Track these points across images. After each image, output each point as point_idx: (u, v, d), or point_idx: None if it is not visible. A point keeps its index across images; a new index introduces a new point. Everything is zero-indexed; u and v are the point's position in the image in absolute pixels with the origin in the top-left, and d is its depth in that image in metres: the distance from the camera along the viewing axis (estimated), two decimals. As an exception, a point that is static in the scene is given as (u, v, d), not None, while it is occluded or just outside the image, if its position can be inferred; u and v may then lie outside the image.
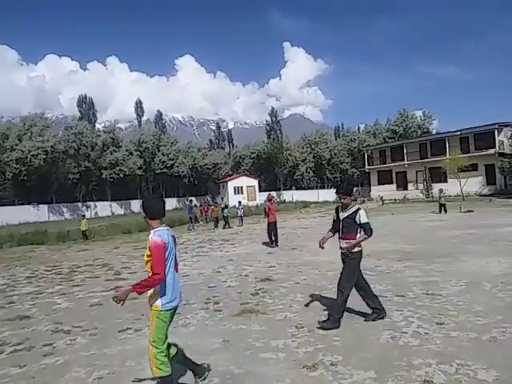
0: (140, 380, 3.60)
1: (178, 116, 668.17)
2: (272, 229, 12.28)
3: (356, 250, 4.66)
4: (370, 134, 57.15)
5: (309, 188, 56.93)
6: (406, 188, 40.69)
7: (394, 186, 42.05)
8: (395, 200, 35.88)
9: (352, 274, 4.66)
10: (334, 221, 4.97)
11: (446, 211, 20.43)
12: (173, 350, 3.30)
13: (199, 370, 3.43)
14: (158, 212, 3.27)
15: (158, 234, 3.12)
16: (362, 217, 4.58)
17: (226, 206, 22.27)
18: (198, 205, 35.54)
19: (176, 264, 3.28)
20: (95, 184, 49.91)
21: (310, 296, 6.02)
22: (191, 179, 56.32)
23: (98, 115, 65.52)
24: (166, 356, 3.12)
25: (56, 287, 8.04)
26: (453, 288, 5.99)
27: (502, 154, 34.19)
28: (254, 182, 50.06)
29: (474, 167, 34.02)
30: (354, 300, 4.89)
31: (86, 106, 62.82)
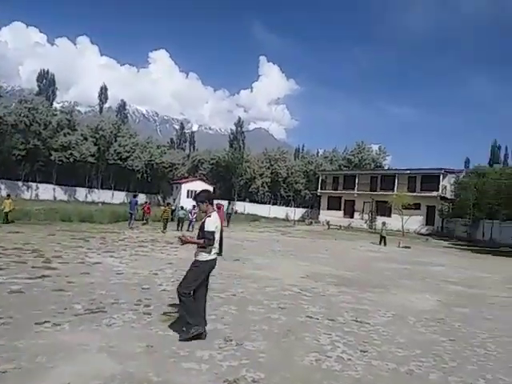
0: None
1: (143, 109, 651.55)
2: (220, 237, 12.14)
3: (200, 258, 4.56)
4: (327, 160, 58.97)
5: (262, 202, 57.38)
6: (352, 216, 42.23)
7: (341, 213, 43.50)
8: (340, 226, 37.08)
9: (192, 282, 4.55)
10: None
11: (385, 244, 21.41)
12: None
13: None
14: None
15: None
16: (207, 224, 4.51)
17: (182, 208, 21.96)
18: (148, 202, 34.62)
19: None
20: (41, 165, 46.99)
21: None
22: (145, 175, 54.81)
23: (57, 93, 62.59)
24: None
25: (-26, 268, 7.40)
26: (380, 318, 6.22)
27: (444, 198, 36.65)
28: (209, 189, 49.66)
29: (417, 206, 36.07)
30: (290, 321, 4.93)
31: (47, 82, 59.71)
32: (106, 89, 73.96)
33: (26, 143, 42.82)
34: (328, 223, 37.09)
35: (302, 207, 54.65)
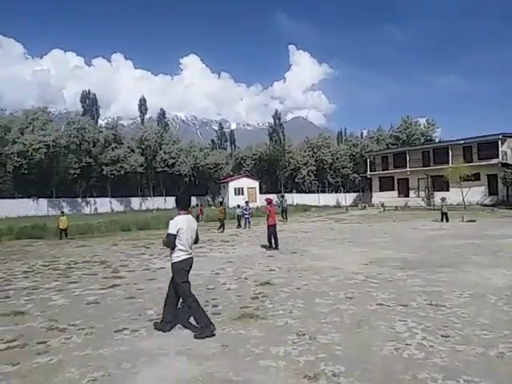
0: None
1: (181, 115, 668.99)
2: (272, 232, 12.16)
3: (173, 260, 4.76)
4: (372, 140, 57.06)
5: (310, 192, 56.81)
6: (407, 195, 40.57)
7: (395, 193, 41.93)
8: (396, 207, 35.75)
9: (177, 285, 4.72)
10: None
11: (447, 220, 20.31)
12: None
13: None
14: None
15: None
16: (169, 227, 4.71)
17: (239, 206, 22.32)
18: (199, 204, 35.51)
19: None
20: (96, 180, 49.80)
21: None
22: (192, 178, 56.21)
23: (100, 111, 65.50)
24: None
25: (53, 283, 7.92)
26: (457, 299, 5.86)
27: (505, 165, 34.07)
28: (255, 184, 49.95)
29: (477, 177, 33.90)
30: (361, 310, 4.77)
31: (90, 102, 62.76)
32: (144, 100, 76.41)
33: (79, 162, 45.49)
34: (383, 205, 35.91)
35: (353, 192, 53.44)
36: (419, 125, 55.15)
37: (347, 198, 49.19)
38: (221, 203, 22.95)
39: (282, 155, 55.86)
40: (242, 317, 5.25)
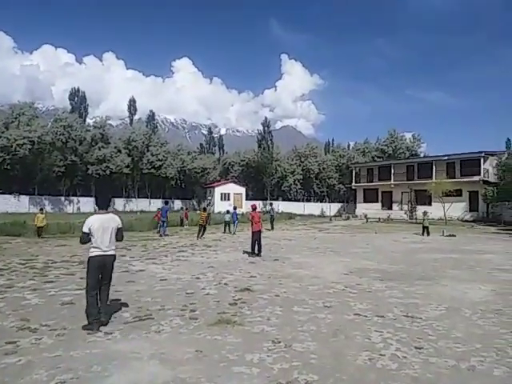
0: None
1: (171, 118, 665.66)
2: (256, 238, 12.15)
3: (88, 254, 5.07)
4: (359, 152, 57.70)
5: (295, 200, 57.03)
6: (390, 208, 41.08)
7: (379, 205, 42.41)
8: (379, 219, 36.16)
9: (87, 277, 5.04)
10: None
11: (428, 234, 20.63)
12: None
13: None
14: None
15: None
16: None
17: (228, 212, 22.28)
18: (184, 208, 35.25)
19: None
20: (80, 179, 49.01)
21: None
22: (178, 182, 55.88)
23: (89, 110, 64.88)
24: None
25: (28, 282, 7.74)
26: (433, 312, 5.94)
27: (486, 182, 34.85)
28: (242, 190, 49.90)
29: (459, 193, 34.57)
30: (338, 319, 4.78)
31: (78, 100, 62.01)
32: (134, 101, 75.88)
33: (64, 160, 44.73)
34: (366, 217, 36.29)
35: (337, 202, 53.84)
36: (405, 139, 56.03)
37: (332, 208, 49.55)
38: (204, 209, 22.79)
39: (270, 163, 56.04)
40: (219, 322, 5.21)
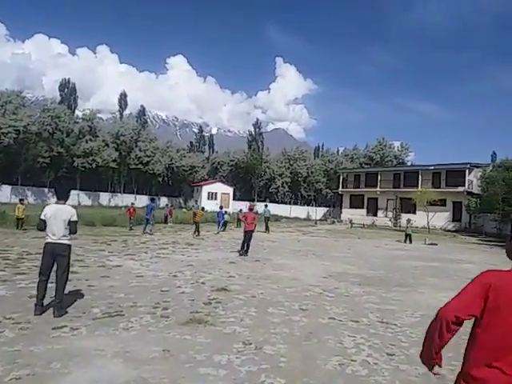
0: None
1: (162, 114, 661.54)
2: (247, 238, 12.29)
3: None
4: (347, 158, 58.06)
5: (282, 202, 57.04)
6: (375, 214, 41.38)
7: (364, 211, 42.68)
8: (364, 225, 36.36)
9: (41, 262, 5.32)
10: None
11: (410, 241, 20.79)
12: None
13: None
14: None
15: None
16: None
17: (226, 212, 22.15)
18: (169, 205, 34.95)
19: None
20: (65, 171, 48.12)
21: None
22: (166, 179, 55.38)
23: (79, 102, 64.15)
24: None
25: (-2, 273, 7.50)
26: (408, 319, 5.92)
27: (470, 193, 35.38)
28: (229, 190, 49.70)
29: (443, 202, 34.97)
30: (312, 323, 4.71)
31: (68, 91, 61.16)
32: (125, 95, 75.20)
33: (50, 151, 43.91)
34: (351, 222, 36.44)
35: (324, 206, 54.04)
36: (393, 147, 56.59)
37: (318, 212, 49.69)
38: (203, 208, 22.72)
39: (259, 164, 55.98)
40: (191, 322, 5.09)
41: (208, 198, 46.81)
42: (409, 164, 53.89)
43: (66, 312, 5.21)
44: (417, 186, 37.06)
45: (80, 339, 4.33)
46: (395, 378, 3.78)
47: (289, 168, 58.03)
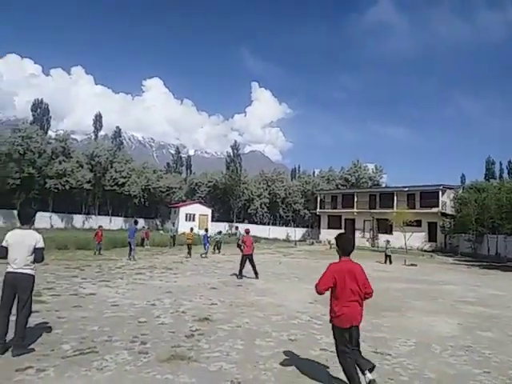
0: None
1: (138, 135, 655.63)
2: (247, 260, 12.32)
3: None
4: (324, 179, 58.70)
5: (261, 223, 56.73)
6: (353, 235, 41.58)
7: (342, 232, 42.79)
8: (343, 246, 36.35)
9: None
10: None
11: (390, 262, 20.79)
12: None
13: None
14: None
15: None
16: None
17: (220, 232, 21.64)
18: (146, 227, 34.04)
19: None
20: (37, 193, 46.35)
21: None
22: (142, 200, 54.23)
23: (52, 123, 62.62)
24: None
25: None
26: (402, 348, 5.65)
27: (444, 214, 36.15)
28: (208, 211, 49.01)
29: (418, 223, 35.50)
30: (303, 355, 4.34)
31: (41, 111, 59.74)
32: (100, 116, 74.08)
33: (21, 172, 42.31)
34: (330, 242, 36.37)
35: (302, 227, 54.05)
36: (368, 169, 57.73)
37: (297, 233, 49.57)
38: (191, 229, 22.31)
39: (238, 185, 55.76)
40: (172, 358, 4.65)
41: (186, 220, 45.94)
42: (383, 185, 54.95)
43: (33, 350, 4.69)
44: (392, 207, 37.63)
45: (47, 382, 3.82)
46: (399, 418, 3.46)
47: (267, 189, 58.06)
